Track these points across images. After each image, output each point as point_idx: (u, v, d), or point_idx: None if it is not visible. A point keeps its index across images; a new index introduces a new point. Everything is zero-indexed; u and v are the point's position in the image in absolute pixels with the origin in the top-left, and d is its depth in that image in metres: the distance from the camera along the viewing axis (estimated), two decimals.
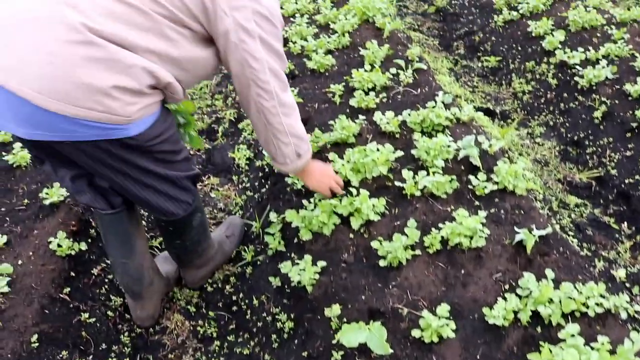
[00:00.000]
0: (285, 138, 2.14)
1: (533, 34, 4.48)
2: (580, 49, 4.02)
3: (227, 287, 2.69)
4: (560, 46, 4.19)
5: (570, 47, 4.15)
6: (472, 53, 4.85)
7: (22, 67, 1.54)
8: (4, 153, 3.13)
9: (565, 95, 3.88)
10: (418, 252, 2.37)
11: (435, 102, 3.18)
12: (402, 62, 3.69)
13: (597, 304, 2.10)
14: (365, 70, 3.55)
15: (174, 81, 1.78)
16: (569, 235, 2.87)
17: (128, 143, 1.77)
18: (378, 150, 2.76)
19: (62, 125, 1.61)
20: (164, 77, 1.73)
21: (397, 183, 2.65)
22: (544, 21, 4.45)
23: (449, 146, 2.80)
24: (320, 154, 2.93)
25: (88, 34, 1.54)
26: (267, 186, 3.00)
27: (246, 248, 2.79)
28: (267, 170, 3.08)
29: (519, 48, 4.51)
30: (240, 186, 3.22)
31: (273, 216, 2.69)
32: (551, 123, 3.82)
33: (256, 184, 3.11)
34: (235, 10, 1.81)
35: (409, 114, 3.09)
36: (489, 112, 3.93)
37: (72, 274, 2.51)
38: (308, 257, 2.38)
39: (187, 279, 2.67)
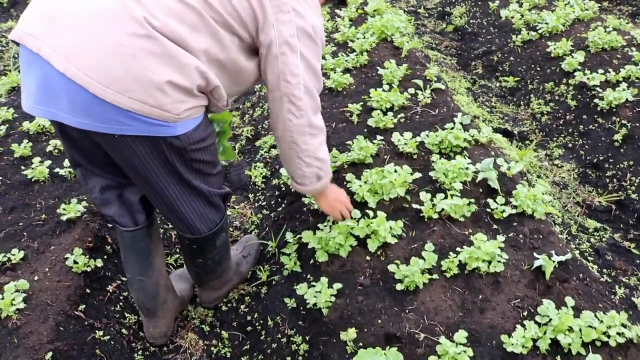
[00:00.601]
0: (308, 159, 2.13)
1: (552, 55, 4.45)
2: (600, 71, 3.98)
3: (242, 306, 2.68)
4: (579, 67, 4.16)
5: (590, 68, 4.12)
6: (491, 73, 4.83)
7: (84, 55, 1.59)
8: (22, 167, 3.16)
9: (584, 117, 3.85)
10: (435, 276, 2.34)
11: (454, 123, 3.16)
12: (420, 82, 3.68)
13: (618, 334, 2.07)
14: (384, 90, 3.54)
15: (221, 85, 1.83)
16: (588, 261, 2.82)
17: (172, 143, 1.80)
18: (396, 171, 2.74)
19: (113, 116, 1.65)
20: (213, 80, 1.78)
21: (414, 205, 2.63)
22: (564, 42, 4.42)
23: (467, 168, 2.78)
24: (337, 174, 2.92)
25: (150, 29, 1.61)
26: (283, 205, 2.99)
27: (262, 267, 2.77)
28: (283, 189, 3.08)
29: (538, 68, 4.49)
30: (256, 204, 3.21)
31: (289, 236, 2.68)
32: (570, 145, 3.78)
33: (272, 202, 3.11)
34: (282, 23, 1.87)
35: (427, 135, 3.08)
36: (507, 133, 3.90)
37: (88, 290, 2.51)
38: (324, 279, 2.36)
39: (203, 298, 2.67)
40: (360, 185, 2.69)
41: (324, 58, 4.14)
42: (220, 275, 2.54)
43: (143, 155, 1.82)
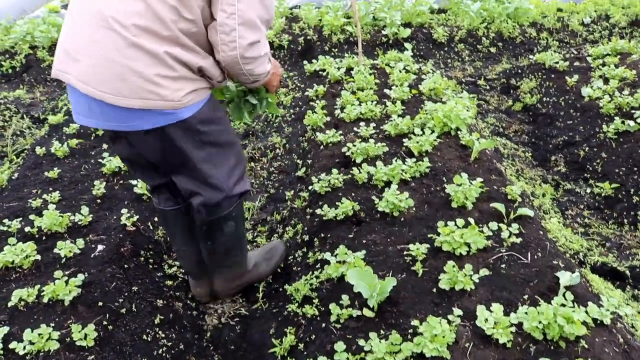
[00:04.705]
0: (244, 77, 2.20)
1: None
2: None
3: None
4: None
5: None
6: (577, 173, 3.90)
7: (92, 76, 1.98)
8: None
9: None
10: None
11: (558, 290, 2.27)
12: (501, 207, 2.80)
13: None
14: (457, 225, 2.66)
15: (204, 63, 2.09)
16: None
17: (181, 126, 2.13)
18: None
19: (131, 116, 2.03)
20: (191, 60, 2.04)
21: None
22: None
23: None
24: None
25: (128, 40, 1.93)
26: None
27: None
28: None
29: None
30: None
31: None
32: None
33: None
34: None
35: (526, 313, 2.17)
36: (615, 274, 2.96)
37: None
38: None
39: (216, 287, 2.81)
40: None
41: (373, 164, 3.30)
42: (230, 266, 2.73)
43: (161, 143, 2.16)
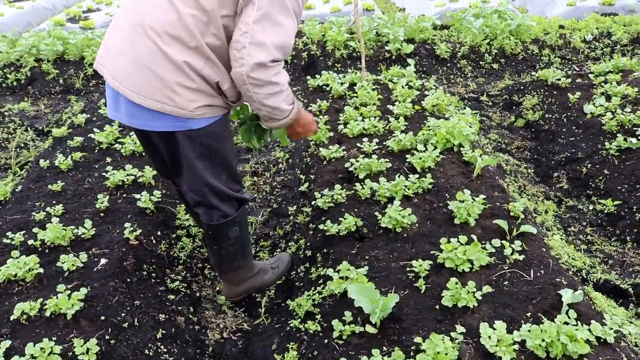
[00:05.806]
0: (255, 104, 2.26)
1: None
2: None
3: None
4: None
5: None
6: (580, 189, 3.91)
7: (122, 73, 2.20)
8: None
9: None
10: None
11: (561, 307, 2.26)
12: (504, 224, 2.80)
13: None
14: (460, 243, 2.66)
15: (221, 79, 2.23)
16: None
17: (187, 135, 2.28)
18: None
19: (148, 115, 2.22)
20: (210, 75, 2.19)
21: None
22: None
23: None
24: None
25: (158, 47, 2.12)
26: None
27: None
28: None
29: None
30: None
31: None
32: None
33: None
34: None
35: (529, 330, 2.17)
36: (618, 292, 2.95)
37: None
38: None
39: (223, 290, 3.01)
40: None
41: (376, 180, 3.31)
42: (235, 269, 2.84)
43: (173, 149, 2.36)
